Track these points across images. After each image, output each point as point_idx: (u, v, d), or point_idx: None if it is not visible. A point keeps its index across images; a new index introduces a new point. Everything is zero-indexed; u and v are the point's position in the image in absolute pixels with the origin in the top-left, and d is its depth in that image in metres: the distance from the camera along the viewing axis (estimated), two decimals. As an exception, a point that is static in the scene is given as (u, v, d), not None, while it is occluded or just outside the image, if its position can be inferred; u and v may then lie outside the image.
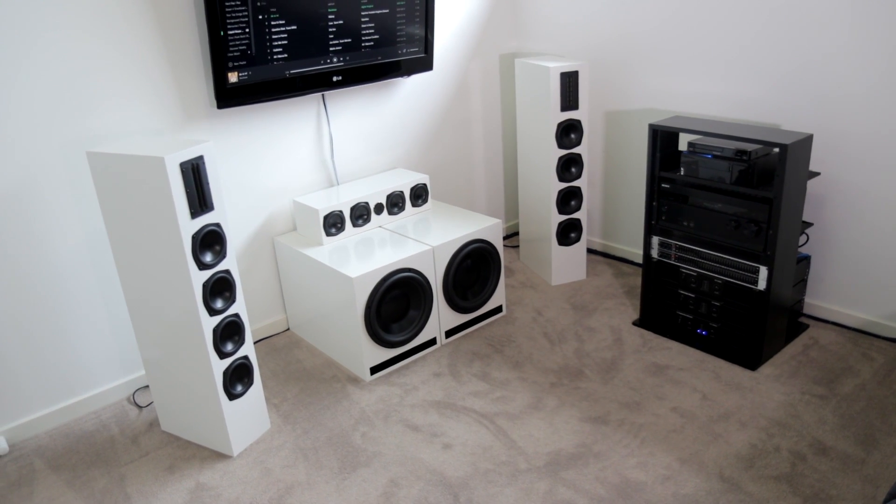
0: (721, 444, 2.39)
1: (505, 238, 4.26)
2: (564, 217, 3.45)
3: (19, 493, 2.40)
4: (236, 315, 2.42)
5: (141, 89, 2.67)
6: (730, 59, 3.05)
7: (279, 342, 3.25)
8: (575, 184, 3.40)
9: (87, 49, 2.51)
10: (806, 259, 2.99)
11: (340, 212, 3.04)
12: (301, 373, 2.99)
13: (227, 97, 2.74)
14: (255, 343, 3.25)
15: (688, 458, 2.33)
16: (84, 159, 2.60)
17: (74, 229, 2.64)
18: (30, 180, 2.50)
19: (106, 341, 2.82)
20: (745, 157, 2.64)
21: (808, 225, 2.93)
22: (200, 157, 2.19)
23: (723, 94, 3.12)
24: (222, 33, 2.63)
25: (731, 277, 2.80)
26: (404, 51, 3.22)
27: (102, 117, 2.61)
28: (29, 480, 2.46)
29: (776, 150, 2.68)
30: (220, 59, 2.66)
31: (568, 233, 3.50)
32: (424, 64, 3.33)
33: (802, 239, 3.03)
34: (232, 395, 2.46)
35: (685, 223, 2.89)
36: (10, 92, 2.39)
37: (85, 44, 2.50)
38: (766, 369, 2.78)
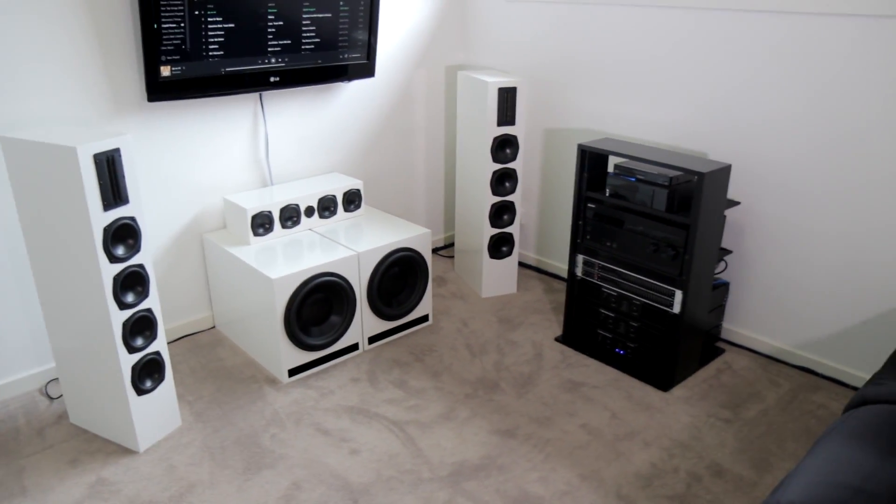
0: (623, 463, 2.43)
1: (442, 248, 4.29)
2: (497, 230, 3.49)
3: (-87, 480, 2.36)
4: (148, 310, 2.40)
5: (68, 76, 2.64)
6: (665, 87, 3.13)
7: (203, 339, 3.23)
8: (509, 198, 3.44)
9: (13, 32, 2.48)
10: (724, 285, 3.07)
11: (269, 212, 3.03)
12: (220, 371, 2.97)
13: (159, 91, 2.73)
14: (178, 339, 3.23)
15: (588, 475, 2.37)
16: None
17: (-9, 214, 2.60)
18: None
19: (19, 330, 2.78)
20: (666, 183, 2.70)
21: (727, 252, 3.00)
22: (117, 150, 2.17)
23: (656, 119, 3.19)
24: (156, 26, 2.61)
25: (649, 299, 2.87)
26: (346, 56, 3.24)
27: (24, 102, 2.57)
28: (-75, 467, 2.42)
29: (696, 177, 2.74)
30: (152, 52, 2.65)
31: (500, 246, 3.54)
32: (366, 70, 3.35)
33: (721, 266, 3.11)
34: (141, 391, 2.44)
35: (608, 243, 2.94)
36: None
37: (10, 27, 2.47)
38: (678, 391, 2.84)
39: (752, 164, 2.92)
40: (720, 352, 3.11)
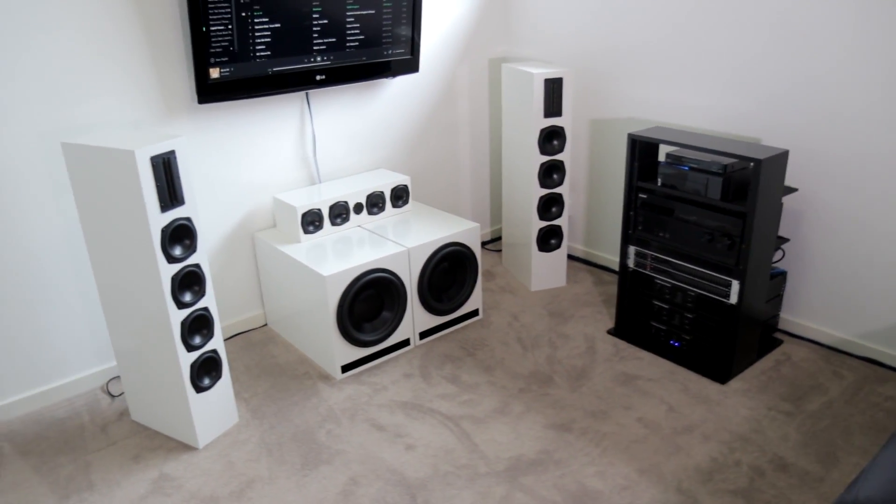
0: (682, 457, 2.39)
1: (489, 242, 4.27)
2: (545, 223, 3.46)
3: (-16, 477, 2.43)
4: (205, 309, 2.43)
5: (123, 81, 2.69)
6: (715, 72, 3.06)
7: (255, 337, 3.27)
8: (557, 190, 3.41)
9: (70, 40, 2.53)
10: (782, 274, 3.00)
11: (319, 210, 3.05)
12: (274, 368, 3.01)
13: (209, 92, 2.76)
14: (231, 337, 3.27)
15: (647, 469, 2.34)
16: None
17: (52, 219, 2.66)
18: (9, 169, 2.52)
19: (82, 330, 2.84)
20: (720, 171, 2.64)
21: (785, 241, 2.93)
22: (172, 152, 2.20)
23: (707, 106, 3.13)
24: (204, 29, 2.64)
25: (704, 290, 2.81)
26: (390, 52, 3.24)
27: (82, 108, 2.63)
28: (-5, 465, 2.49)
29: (752, 164, 2.68)
30: (201, 54, 2.68)
31: (548, 239, 3.51)
32: (410, 66, 3.35)
33: (778, 254, 3.03)
34: (199, 388, 2.48)
35: (661, 234, 2.89)
36: (-11, 80, 2.42)
37: (67, 35, 2.52)
38: (736, 383, 2.78)
39: (809, 149, 2.84)
40: (778, 343, 3.04)
